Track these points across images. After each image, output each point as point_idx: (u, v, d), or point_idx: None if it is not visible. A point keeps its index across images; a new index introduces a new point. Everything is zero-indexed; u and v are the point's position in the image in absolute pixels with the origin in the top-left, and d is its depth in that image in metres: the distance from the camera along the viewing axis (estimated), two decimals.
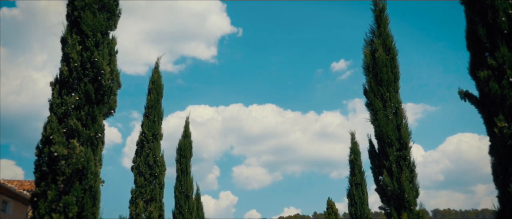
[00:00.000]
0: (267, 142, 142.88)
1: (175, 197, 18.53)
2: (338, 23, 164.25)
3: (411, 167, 12.61)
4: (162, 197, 12.60)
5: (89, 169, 6.77)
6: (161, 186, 12.73)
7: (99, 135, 7.11)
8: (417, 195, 12.48)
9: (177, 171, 18.88)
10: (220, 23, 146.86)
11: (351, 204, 18.10)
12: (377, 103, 13.27)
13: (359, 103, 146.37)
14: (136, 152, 13.13)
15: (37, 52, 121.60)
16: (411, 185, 12.45)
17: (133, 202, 12.25)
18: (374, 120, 13.20)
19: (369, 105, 13.55)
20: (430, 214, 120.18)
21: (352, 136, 19.22)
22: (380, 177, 13.05)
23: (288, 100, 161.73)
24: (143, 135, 13.19)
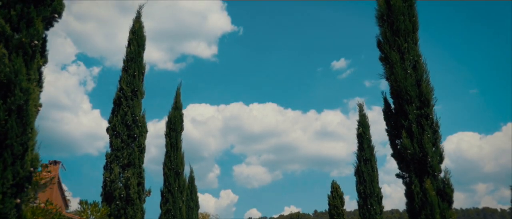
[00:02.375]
0: (267, 140, 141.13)
1: (164, 174, 16.72)
2: (338, 22, 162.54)
3: (434, 128, 10.73)
4: (142, 163, 10.72)
5: (18, 84, 4.90)
6: (141, 150, 10.84)
7: (36, 42, 5.24)
8: (441, 160, 10.59)
9: (166, 145, 17.07)
10: (220, 22, 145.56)
11: (360, 182, 16.21)
12: (393, 56, 11.39)
13: (360, 102, 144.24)
14: (113, 111, 11.19)
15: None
16: (434, 149, 10.58)
17: (107, 168, 10.38)
18: (390, 75, 11.31)
19: (383, 59, 11.66)
20: None
21: (360, 107, 17.36)
22: (398, 141, 11.19)
23: (289, 99, 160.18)
24: (121, 92, 11.25)
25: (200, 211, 48.35)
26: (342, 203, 21.17)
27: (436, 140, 10.64)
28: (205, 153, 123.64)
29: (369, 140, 16.75)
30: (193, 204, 21.12)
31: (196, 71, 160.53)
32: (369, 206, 15.74)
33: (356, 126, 17.02)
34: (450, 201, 10.20)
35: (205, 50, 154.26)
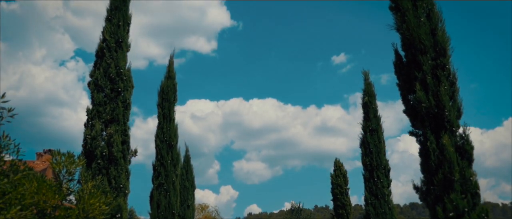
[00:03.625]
0: (267, 136, 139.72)
1: (156, 146, 15.66)
2: (338, 16, 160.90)
3: (451, 80, 9.66)
4: (127, 120, 9.63)
5: None
6: (126, 106, 9.70)
7: None
8: (459, 115, 9.54)
9: (158, 117, 16.01)
10: (220, 17, 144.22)
11: (365, 154, 15.14)
12: (404, 3, 10.31)
13: (360, 98, 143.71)
14: (95, 64, 10.01)
15: (36, 47, 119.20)
16: (451, 102, 9.52)
17: (88, 125, 9.29)
18: (402, 24, 10.22)
19: (394, 8, 10.59)
20: None
21: (365, 75, 16.25)
22: (410, 96, 10.13)
23: (289, 95, 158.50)
24: (103, 43, 10.03)
25: (200, 202, 47.26)
26: (346, 181, 20.14)
27: (453, 93, 9.59)
28: (205, 148, 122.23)
29: (376, 110, 15.67)
30: (189, 184, 20.06)
31: (195, 66, 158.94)
32: (375, 179, 14.67)
33: (361, 96, 15.98)
34: (470, 159, 9.14)
35: (205, 46, 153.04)
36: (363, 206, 15.30)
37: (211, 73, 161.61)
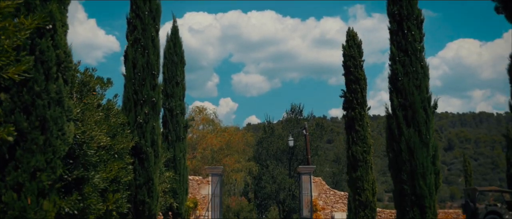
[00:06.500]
0: (266, 49, 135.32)
1: None
2: None
3: None
4: None
5: None
6: None
7: None
8: None
9: None
10: None
11: (393, 1, 11.97)
12: None
13: (360, 9, 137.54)
14: None
15: None
16: None
17: None
18: None
19: None
20: None
21: None
22: None
23: (287, 7, 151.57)
24: None
25: (197, 104, 44.60)
26: (361, 53, 17.23)
27: None
28: (203, 61, 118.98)
29: None
30: (178, 59, 17.12)
31: None
32: (405, 31, 11.69)
33: None
34: None
35: None
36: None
37: None
